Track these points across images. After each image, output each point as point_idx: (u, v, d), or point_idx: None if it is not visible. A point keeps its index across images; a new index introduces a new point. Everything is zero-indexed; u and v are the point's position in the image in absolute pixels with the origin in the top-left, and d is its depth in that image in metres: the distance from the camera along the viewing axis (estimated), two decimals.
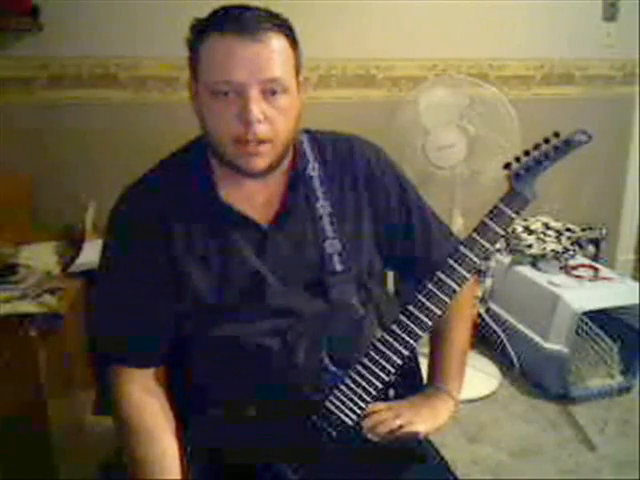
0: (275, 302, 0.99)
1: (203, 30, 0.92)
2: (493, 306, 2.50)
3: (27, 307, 1.55)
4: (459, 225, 2.22)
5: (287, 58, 0.93)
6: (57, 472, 1.60)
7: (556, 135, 0.95)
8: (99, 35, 2.14)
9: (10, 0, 1.96)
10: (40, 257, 1.87)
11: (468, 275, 0.94)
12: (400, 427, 0.99)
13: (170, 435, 0.98)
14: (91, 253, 1.78)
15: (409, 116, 2.14)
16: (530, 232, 2.45)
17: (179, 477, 0.96)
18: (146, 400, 1.00)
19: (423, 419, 1.03)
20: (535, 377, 2.32)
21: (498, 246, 2.50)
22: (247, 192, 1.01)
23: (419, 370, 1.14)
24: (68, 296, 1.66)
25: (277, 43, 0.91)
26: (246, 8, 0.92)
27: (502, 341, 2.39)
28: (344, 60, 2.42)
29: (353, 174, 1.06)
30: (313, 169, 1.04)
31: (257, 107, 0.90)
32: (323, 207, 1.03)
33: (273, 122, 0.92)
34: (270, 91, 0.91)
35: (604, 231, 2.80)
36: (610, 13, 2.70)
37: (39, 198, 2.12)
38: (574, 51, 2.71)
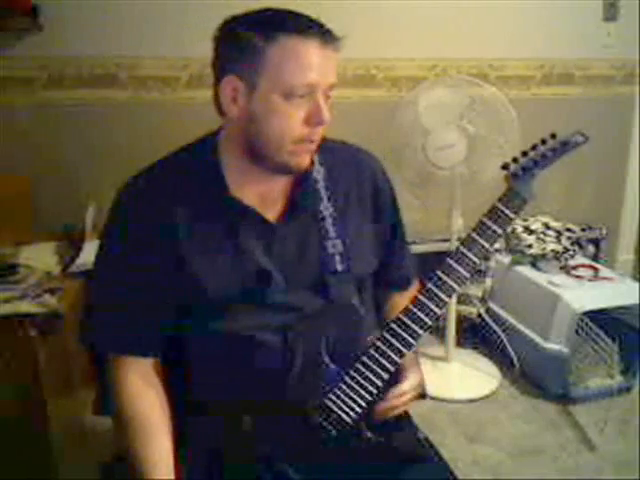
0: (278, 299, 1.00)
1: (269, 30, 0.91)
2: (493, 306, 2.50)
3: (27, 307, 1.55)
4: (459, 225, 2.22)
5: None
6: (57, 472, 1.60)
7: (553, 136, 0.98)
8: (99, 35, 2.13)
9: (10, 0, 1.96)
10: (40, 257, 1.86)
11: (467, 275, 0.96)
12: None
13: (166, 427, 0.99)
14: (91, 253, 1.78)
15: (409, 116, 2.14)
16: (530, 232, 2.45)
17: (172, 471, 0.95)
18: (144, 390, 1.00)
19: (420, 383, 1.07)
20: (535, 377, 2.32)
21: (498, 246, 2.50)
22: (256, 190, 1.02)
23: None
24: (68, 296, 1.66)
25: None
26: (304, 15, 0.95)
27: (502, 341, 2.39)
28: (344, 60, 2.40)
29: (357, 180, 1.10)
30: (318, 172, 1.06)
31: (327, 110, 0.94)
32: (326, 208, 1.05)
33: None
34: (327, 96, 0.96)
35: (604, 231, 2.80)
36: (610, 13, 2.71)
37: (39, 198, 2.12)
38: (574, 51, 2.72)
